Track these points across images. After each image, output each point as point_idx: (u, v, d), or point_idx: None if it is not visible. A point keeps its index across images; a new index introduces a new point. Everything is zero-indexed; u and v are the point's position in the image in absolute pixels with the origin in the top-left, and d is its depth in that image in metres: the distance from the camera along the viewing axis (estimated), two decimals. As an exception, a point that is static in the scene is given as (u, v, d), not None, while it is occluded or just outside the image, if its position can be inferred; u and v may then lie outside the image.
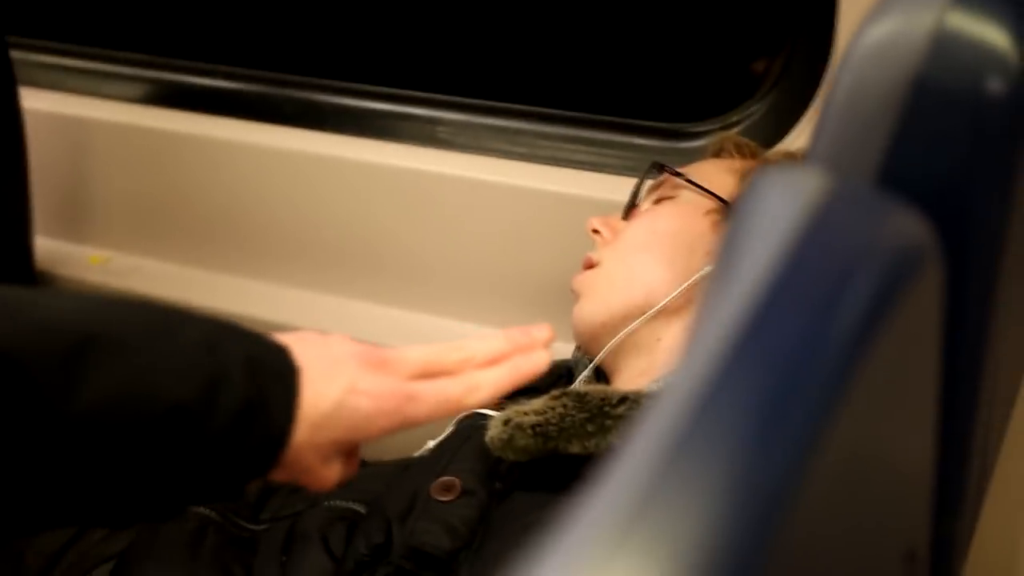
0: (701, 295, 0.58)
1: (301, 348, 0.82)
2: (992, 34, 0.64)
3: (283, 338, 0.82)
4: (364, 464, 1.30)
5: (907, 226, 0.55)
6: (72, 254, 1.74)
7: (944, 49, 0.64)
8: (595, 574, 0.38)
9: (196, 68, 1.75)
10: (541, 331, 0.90)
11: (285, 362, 0.80)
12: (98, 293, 1.68)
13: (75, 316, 0.79)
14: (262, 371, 0.79)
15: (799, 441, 0.44)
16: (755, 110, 1.44)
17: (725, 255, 0.54)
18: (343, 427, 0.83)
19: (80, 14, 1.92)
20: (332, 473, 0.86)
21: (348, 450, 0.87)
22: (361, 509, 1.18)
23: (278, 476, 0.83)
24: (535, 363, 0.88)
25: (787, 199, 0.54)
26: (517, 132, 1.55)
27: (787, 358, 0.47)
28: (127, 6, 2.11)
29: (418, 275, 1.58)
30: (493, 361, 0.88)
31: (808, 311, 0.49)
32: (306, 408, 0.80)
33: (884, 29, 0.65)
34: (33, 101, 1.61)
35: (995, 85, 0.63)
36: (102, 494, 0.79)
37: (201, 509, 1.24)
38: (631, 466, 0.41)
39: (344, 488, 1.20)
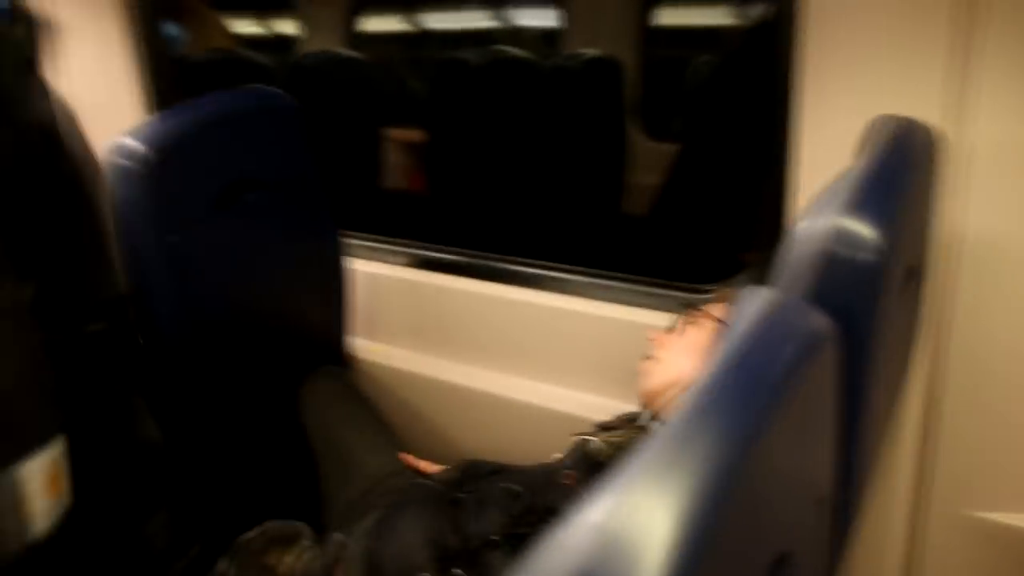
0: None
1: None
2: (863, 229, 0.65)
3: None
4: (518, 467, 1.29)
5: (816, 321, 0.56)
6: (366, 346, 1.75)
7: (839, 234, 0.65)
8: (645, 487, 0.38)
9: (439, 249, 1.78)
10: None
11: None
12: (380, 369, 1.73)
13: None
14: None
15: (750, 437, 0.43)
16: (742, 278, 1.45)
17: (723, 328, 0.54)
18: None
19: (375, 220, 1.97)
20: None
21: None
22: (519, 489, 1.18)
23: None
24: None
25: (759, 301, 0.54)
26: (617, 288, 1.53)
27: (746, 389, 0.46)
28: (397, 215, 2.21)
29: (556, 362, 1.56)
30: None
31: (766, 361, 0.48)
32: None
33: (808, 224, 0.67)
34: (353, 264, 1.68)
35: (865, 255, 0.64)
36: None
37: (433, 483, 1.28)
38: (649, 448, 0.41)
39: (509, 477, 1.24)
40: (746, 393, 0.45)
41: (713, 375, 0.46)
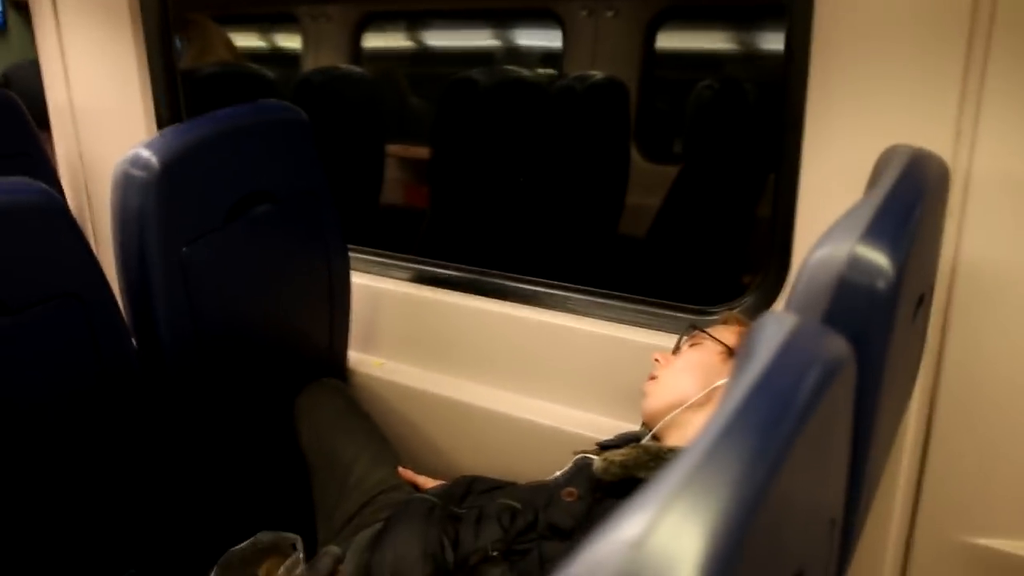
0: (718, 394, 0.58)
1: None
2: (878, 256, 0.65)
3: None
4: (517, 484, 1.29)
5: (837, 345, 0.55)
6: (365, 359, 1.74)
7: (855, 261, 0.66)
8: (659, 513, 0.38)
9: (437, 264, 1.77)
10: None
11: None
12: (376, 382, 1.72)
13: None
14: None
15: (777, 458, 0.43)
16: (745, 301, 1.44)
17: (743, 350, 0.53)
18: None
19: (377, 235, 1.95)
20: None
21: None
22: (519, 505, 1.18)
23: None
24: None
25: (777, 326, 0.54)
26: (620, 308, 1.53)
27: (772, 411, 0.46)
28: (401, 230, 2.22)
29: (557, 380, 1.55)
30: None
31: (790, 384, 0.48)
32: None
33: (824, 251, 0.67)
34: (354, 278, 1.66)
35: (880, 283, 0.65)
36: None
37: (431, 498, 1.28)
38: (679, 467, 0.41)
39: (509, 494, 1.24)
40: (772, 416, 0.45)
41: (739, 397, 0.46)
